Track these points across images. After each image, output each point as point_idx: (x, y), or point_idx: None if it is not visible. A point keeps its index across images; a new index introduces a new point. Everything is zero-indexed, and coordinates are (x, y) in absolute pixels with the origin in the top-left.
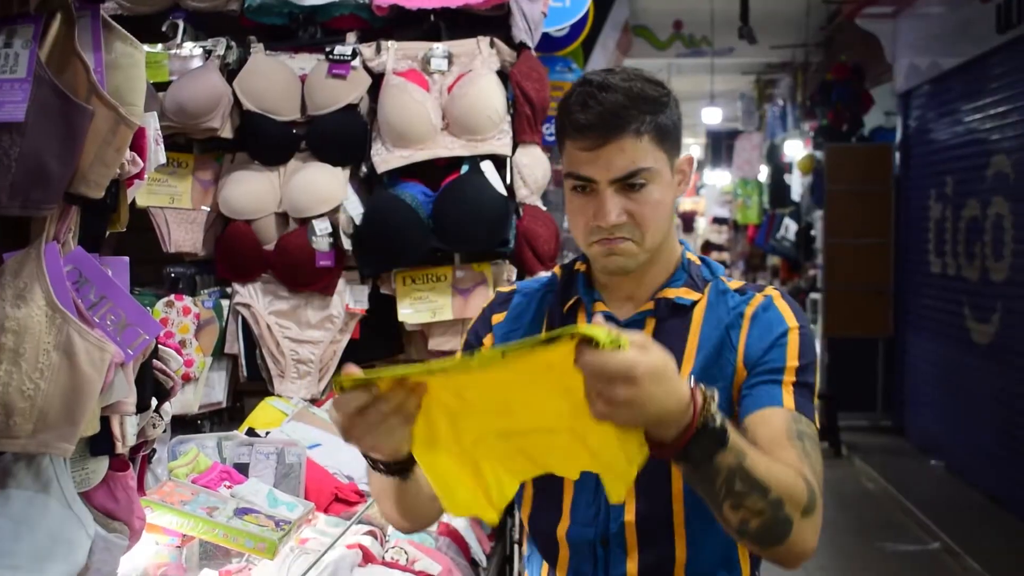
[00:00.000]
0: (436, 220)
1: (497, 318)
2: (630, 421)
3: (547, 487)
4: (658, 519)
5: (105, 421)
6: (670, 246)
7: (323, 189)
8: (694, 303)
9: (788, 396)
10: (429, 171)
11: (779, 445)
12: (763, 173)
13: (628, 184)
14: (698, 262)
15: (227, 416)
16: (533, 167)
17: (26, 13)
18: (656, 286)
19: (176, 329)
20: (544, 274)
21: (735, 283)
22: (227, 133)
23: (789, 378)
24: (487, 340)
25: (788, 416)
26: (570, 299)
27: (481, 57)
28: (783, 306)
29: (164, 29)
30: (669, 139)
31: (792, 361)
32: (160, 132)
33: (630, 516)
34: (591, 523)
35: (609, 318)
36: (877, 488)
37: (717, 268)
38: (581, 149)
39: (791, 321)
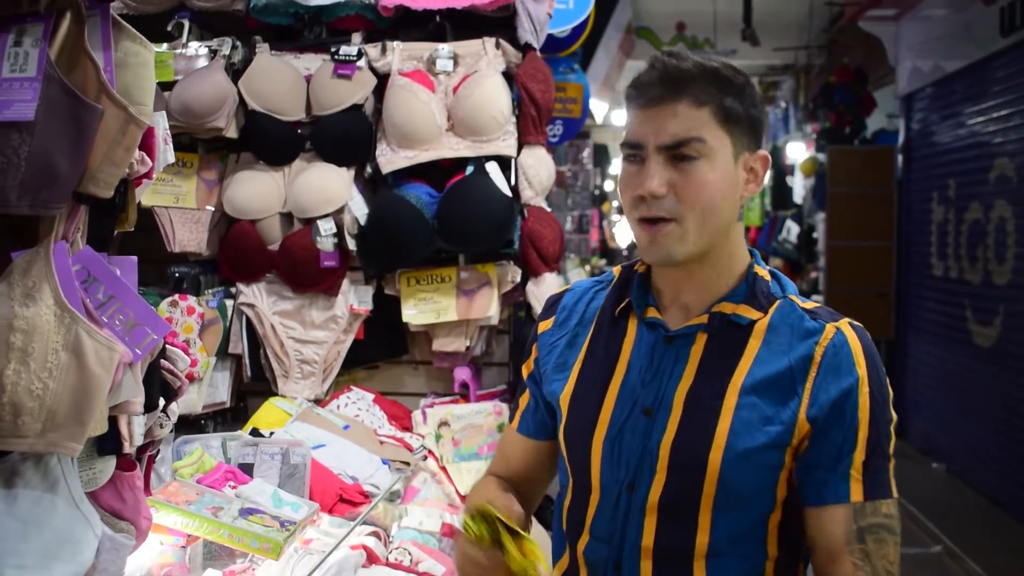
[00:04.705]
0: (441, 221)
1: (543, 326)
2: None
3: (577, 502)
4: (679, 549)
5: (113, 421)
6: (732, 251)
7: (328, 189)
8: (752, 323)
9: (856, 487)
10: (434, 172)
11: (835, 558)
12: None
13: (678, 155)
14: (767, 277)
15: (231, 416)
16: (538, 168)
17: (36, 12)
18: (715, 297)
19: (180, 329)
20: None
21: (810, 304)
22: (232, 133)
23: (859, 459)
24: (533, 351)
25: (851, 514)
26: (622, 302)
27: (486, 58)
28: (855, 347)
29: (170, 29)
30: (737, 126)
31: (862, 437)
32: (169, 132)
33: (648, 540)
34: (607, 540)
35: (656, 325)
36: None
37: (788, 285)
38: (636, 108)
39: (861, 370)
